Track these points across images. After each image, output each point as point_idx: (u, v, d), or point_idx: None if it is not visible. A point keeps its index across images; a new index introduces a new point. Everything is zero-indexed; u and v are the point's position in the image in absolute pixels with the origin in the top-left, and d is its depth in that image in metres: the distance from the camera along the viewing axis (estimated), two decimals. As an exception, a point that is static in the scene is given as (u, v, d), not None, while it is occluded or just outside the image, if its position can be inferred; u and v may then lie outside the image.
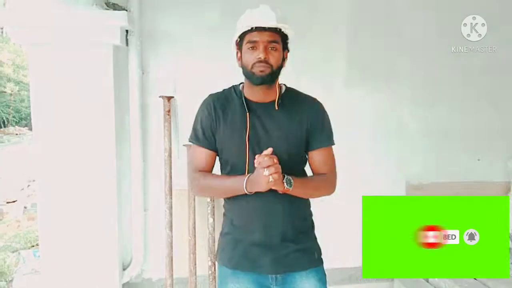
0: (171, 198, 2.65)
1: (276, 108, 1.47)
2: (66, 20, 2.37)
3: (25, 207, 5.83)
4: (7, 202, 6.41)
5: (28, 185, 7.00)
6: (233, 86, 1.58)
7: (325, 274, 1.58)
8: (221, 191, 1.52)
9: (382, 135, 3.03)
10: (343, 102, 2.87)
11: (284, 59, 1.48)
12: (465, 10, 2.95)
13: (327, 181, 1.55)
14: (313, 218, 1.64)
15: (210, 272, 2.69)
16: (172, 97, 2.68)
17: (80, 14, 2.36)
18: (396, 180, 3.06)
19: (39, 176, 2.52)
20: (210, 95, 1.58)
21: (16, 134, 19.79)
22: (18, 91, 21.88)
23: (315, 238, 1.62)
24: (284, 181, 1.37)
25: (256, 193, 1.41)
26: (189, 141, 1.57)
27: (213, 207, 2.71)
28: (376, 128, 3.00)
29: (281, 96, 1.50)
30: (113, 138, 2.52)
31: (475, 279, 2.92)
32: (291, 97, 1.54)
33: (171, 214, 2.65)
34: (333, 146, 1.57)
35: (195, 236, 2.68)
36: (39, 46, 2.42)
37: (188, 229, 2.69)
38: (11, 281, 3.08)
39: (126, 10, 2.53)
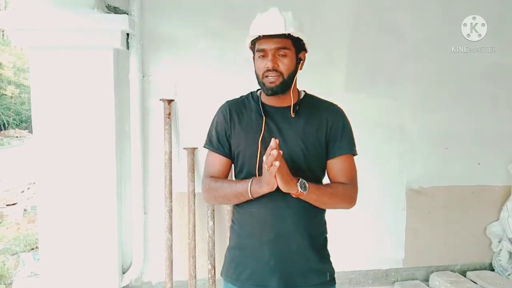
0: (171, 201, 2.65)
1: (292, 115, 1.41)
2: (67, 23, 2.38)
3: (25, 210, 5.81)
4: (7, 205, 6.39)
5: (28, 188, 6.99)
6: (251, 92, 1.52)
7: None
8: (230, 195, 1.41)
9: (382, 139, 3.03)
10: (343, 106, 2.81)
11: (300, 61, 1.41)
12: (465, 10, 2.97)
13: (345, 190, 1.42)
14: None
15: (210, 275, 2.68)
16: (173, 100, 2.68)
17: (81, 17, 2.37)
18: (396, 183, 3.06)
19: (39, 178, 2.52)
20: (227, 101, 1.51)
21: (17, 137, 19.86)
22: (18, 93, 21.97)
23: (328, 256, 1.50)
24: (298, 184, 1.28)
25: (266, 200, 1.34)
26: (204, 147, 1.51)
27: (213, 210, 2.71)
28: (376, 132, 2.99)
29: (299, 102, 1.44)
30: (113, 141, 2.52)
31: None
32: (310, 102, 1.47)
33: (171, 217, 2.65)
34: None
35: (195, 239, 2.68)
36: (40, 49, 2.43)
37: (188, 232, 2.69)
38: (10, 284, 3.07)
39: (127, 14, 2.54)
